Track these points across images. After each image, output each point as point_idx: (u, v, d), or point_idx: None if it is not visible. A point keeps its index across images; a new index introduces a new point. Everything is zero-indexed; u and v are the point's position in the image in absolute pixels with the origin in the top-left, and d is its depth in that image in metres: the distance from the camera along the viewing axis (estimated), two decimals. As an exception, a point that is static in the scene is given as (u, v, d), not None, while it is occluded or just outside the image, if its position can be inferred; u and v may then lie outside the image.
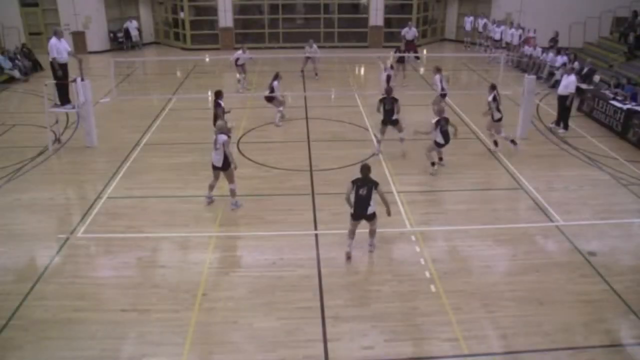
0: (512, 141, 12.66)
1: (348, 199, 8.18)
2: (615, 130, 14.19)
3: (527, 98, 13.55)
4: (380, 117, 12.44)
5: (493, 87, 12.65)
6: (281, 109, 14.84)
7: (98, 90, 16.19)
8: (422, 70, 22.03)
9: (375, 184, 8.11)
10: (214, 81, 19.70)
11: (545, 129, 14.61)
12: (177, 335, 6.98)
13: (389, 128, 12.49)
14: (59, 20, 24.11)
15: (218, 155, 9.81)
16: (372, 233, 8.64)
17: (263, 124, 14.49)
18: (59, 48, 12.50)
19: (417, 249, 8.89)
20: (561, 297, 7.74)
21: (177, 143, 13.53)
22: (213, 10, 25.68)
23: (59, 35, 12.61)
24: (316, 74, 19.89)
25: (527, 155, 12.87)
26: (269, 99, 14.74)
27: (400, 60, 18.70)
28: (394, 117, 12.26)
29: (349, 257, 8.47)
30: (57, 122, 13.79)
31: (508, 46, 22.93)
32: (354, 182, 8.11)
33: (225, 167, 9.88)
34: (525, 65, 21.08)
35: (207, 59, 21.38)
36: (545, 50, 20.63)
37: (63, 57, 12.65)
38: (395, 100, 12.23)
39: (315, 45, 19.86)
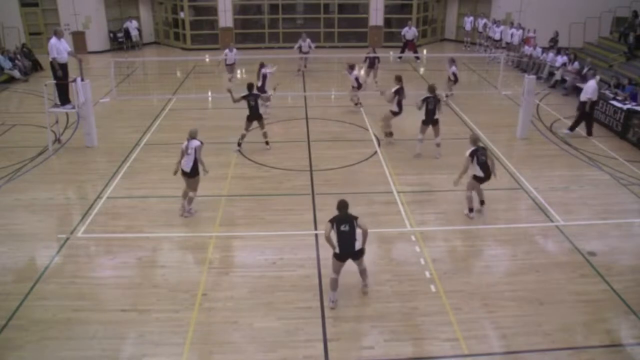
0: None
1: (329, 239, 7.27)
2: (615, 130, 14.19)
3: (527, 98, 13.55)
4: (422, 117, 12.36)
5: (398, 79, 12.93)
6: (267, 104, 14.83)
7: (98, 90, 16.21)
8: (422, 70, 22.02)
9: (355, 218, 7.31)
10: (214, 81, 19.72)
11: (545, 129, 14.60)
12: (177, 335, 6.99)
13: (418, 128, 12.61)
14: (59, 20, 24.12)
15: (189, 161, 9.58)
16: (363, 273, 7.75)
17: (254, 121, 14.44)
18: (59, 48, 12.50)
19: (417, 249, 8.89)
20: (561, 297, 7.74)
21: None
22: (213, 10, 25.68)
23: (59, 35, 12.60)
24: (305, 66, 20.35)
25: (527, 155, 12.88)
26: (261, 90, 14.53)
27: (371, 66, 18.32)
28: (436, 116, 12.30)
29: (333, 308, 7.52)
30: (57, 122, 13.80)
31: (508, 46, 22.93)
32: (332, 220, 7.29)
33: (194, 174, 9.68)
34: (525, 65, 21.08)
35: (207, 59, 21.38)
36: (545, 50, 20.63)
37: (63, 57, 12.64)
38: (438, 100, 12.24)
39: (308, 40, 20.17)
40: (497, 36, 23.33)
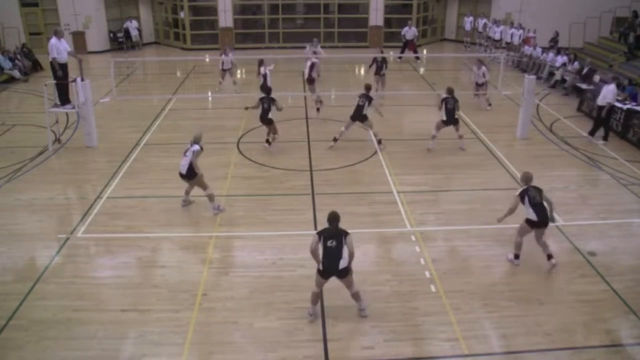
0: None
1: (314, 253, 6.97)
2: (615, 130, 14.18)
3: (527, 98, 13.55)
4: (442, 116, 12.61)
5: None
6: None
7: (98, 90, 16.20)
8: (422, 70, 22.01)
9: (345, 234, 6.94)
10: (214, 81, 19.71)
11: (545, 129, 14.60)
12: (177, 335, 6.98)
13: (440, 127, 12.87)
14: (59, 20, 24.11)
15: (185, 162, 9.59)
16: (355, 297, 7.28)
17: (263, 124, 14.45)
18: (59, 48, 12.50)
19: (417, 249, 8.89)
20: (561, 297, 7.74)
21: (177, 143, 13.49)
22: (213, 10, 25.68)
23: (59, 35, 12.60)
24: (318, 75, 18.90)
25: (527, 155, 12.88)
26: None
27: (378, 72, 16.96)
28: (456, 116, 12.63)
29: (312, 322, 7.25)
30: (57, 122, 13.80)
31: (508, 46, 22.93)
32: (320, 233, 6.97)
33: (191, 175, 9.63)
34: (525, 65, 21.08)
35: (207, 59, 21.38)
36: (545, 50, 20.63)
37: (63, 57, 12.64)
38: (456, 100, 12.50)
39: (319, 47, 19.11)
40: (497, 36, 23.33)
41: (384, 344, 6.85)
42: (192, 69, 21.86)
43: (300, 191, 10.96)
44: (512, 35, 22.54)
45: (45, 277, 8.16)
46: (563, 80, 18.52)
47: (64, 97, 13.13)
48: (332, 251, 6.91)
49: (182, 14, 25.48)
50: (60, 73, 12.73)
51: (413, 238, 9.23)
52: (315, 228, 9.50)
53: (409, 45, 22.99)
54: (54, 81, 12.92)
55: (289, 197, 10.71)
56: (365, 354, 6.72)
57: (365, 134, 14.07)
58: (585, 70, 17.81)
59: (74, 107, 13.23)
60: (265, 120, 12.56)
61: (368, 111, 12.73)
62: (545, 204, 8.17)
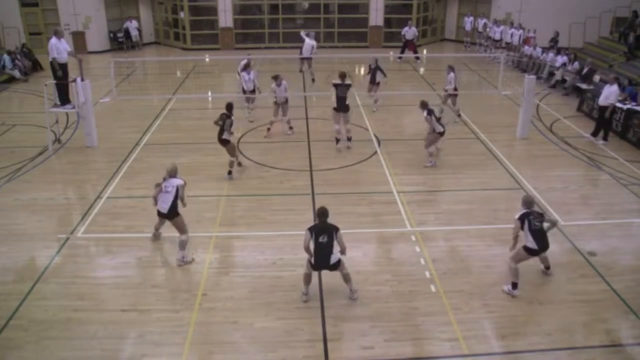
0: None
1: (308, 249, 7.28)
2: (615, 130, 14.18)
3: (527, 98, 13.54)
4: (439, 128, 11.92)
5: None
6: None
7: (98, 90, 16.20)
8: (422, 70, 22.01)
9: (336, 230, 7.22)
10: (214, 81, 19.74)
11: (545, 129, 14.61)
12: (177, 335, 6.99)
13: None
14: (59, 20, 24.11)
15: (165, 201, 8.28)
16: (345, 278, 7.57)
17: (263, 124, 14.47)
18: (59, 48, 12.50)
19: (417, 249, 8.89)
20: (561, 297, 7.74)
21: (177, 143, 13.53)
22: (213, 10, 25.68)
23: (59, 35, 12.60)
24: (313, 80, 18.82)
25: (527, 155, 12.88)
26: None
27: (373, 81, 16.00)
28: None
29: (306, 301, 7.57)
30: (57, 122, 13.80)
31: (508, 46, 22.93)
32: (311, 229, 7.24)
33: (172, 215, 8.36)
34: (525, 65, 21.08)
35: (207, 59, 21.39)
36: (545, 50, 20.63)
37: (63, 57, 12.65)
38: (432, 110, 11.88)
39: (313, 34, 19.01)
40: (497, 36, 23.33)
41: (384, 344, 6.85)
42: (192, 69, 21.86)
43: (300, 191, 10.96)
44: (512, 35, 22.54)
45: (45, 277, 8.16)
46: (563, 80, 18.52)
47: (64, 97, 13.13)
48: (323, 247, 7.20)
49: (182, 14, 25.48)
50: (60, 73, 12.73)
51: (413, 238, 9.23)
52: (315, 228, 9.50)
53: (409, 45, 22.99)
54: (54, 81, 12.93)
55: (289, 197, 10.71)
56: (365, 354, 6.72)
57: (365, 134, 14.07)
58: (585, 70, 17.80)
59: (74, 107, 13.23)
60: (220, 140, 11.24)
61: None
62: (545, 226, 7.69)
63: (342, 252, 7.37)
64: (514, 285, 7.75)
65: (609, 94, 13.48)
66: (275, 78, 13.67)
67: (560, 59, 18.88)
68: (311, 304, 7.56)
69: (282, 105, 13.87)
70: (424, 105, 11.62)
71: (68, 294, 7.78)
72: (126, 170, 11.94)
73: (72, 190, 11.25)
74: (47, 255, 8.71)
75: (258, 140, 13.77)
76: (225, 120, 10.94)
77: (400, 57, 22.84)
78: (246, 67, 14.79)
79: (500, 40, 23.28)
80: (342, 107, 12.67)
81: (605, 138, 13.74)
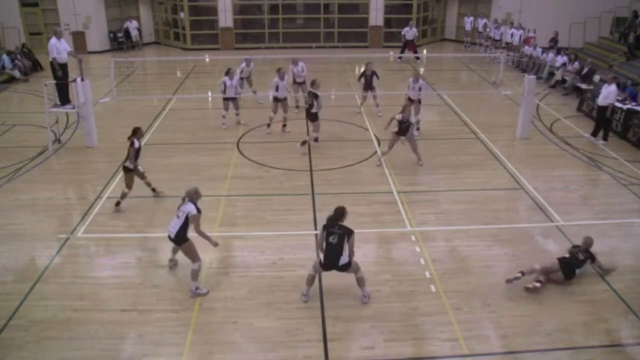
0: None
1: (320, 246, 7.32)
2: (615, 130, 14.18)
3: (527, 98, 13.55)
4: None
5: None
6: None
7: (98, 90, 16.20)
8: (422, 70, 22.02)
9: (349, 233, 7.15)
10: (214, 81, 19.70)
11: (545, 129, 14.61)
12: (177, 335, 6.98)
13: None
14: (59, 20, 24.13)
15: (174, 226, 7.56)
16: (360, 282, 7.48)
17: (263, 124, 14.48)
18: (59, 48, 12.51)
19: (417, 249, 8.89)
20: (561, 297, 7.74)
21: (177, 143, 13.53)
22: (213, 10, 25.68)
23: (58, 35, 12.62)
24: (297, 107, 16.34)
25: (527, 155, 12.88)
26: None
27: (367, 87, 15.26)
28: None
29: (306, 302, 7.55)
30: (57, 122, 13.80)
31: (508, 46, 22.94)
32: (325, 227, 7.25)
33: (180, 241, 7.63)
34: (525, 65, 21.09)
35: (207, 59, 21.40)
36: (545, 50, 20.64)
37: (63, 57, 12.65)
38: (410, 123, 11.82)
39: (301, 64, 15.81)
40: (497, 36, 23.34)
41: (384, 344, 6.85)
42: (192, 69, 21.86)
43: (300, 191, 10.96)
44: (512, 35, 22.55)
45: (46, 277, 8.16)
46: (563, 81, 18.52)
47: (64, 97, 13.14)
48: (332, 247, 7.15)
49: (182, 14, 25.49)
50: (60, 73, 12.74)
51: (413, 238, 9.23)
52: (315, 228, 9.50)
53: (409, 45, 23.00)
54: (54, 81, 12.93)
55: (289, 197, 10.71)
56: (365, 354, 6.72)
57: (365, 134, 14.07)
58: (585, 71, 17.80)
59: (74, 107, 13.24)
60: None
61: (318, 110, 12.63)
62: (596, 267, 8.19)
63: (351, 255, 7.26)
64: (522, 274, 7.93)
65: (608, 94, 13.47)
66: (279, 71, 13.68)
67: (560, 59, 18.90)
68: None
69: (282, 102, 13.86)
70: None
71: (68, 294, 7.78)
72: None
73: (72, 190, 11.25)
74: (47, 255, 8.71)
75: (258, 140, 13.77)
76: (129, 147, 9.94)
77: (400, 57, 22.84)
78: (228, 73, 14.02)
79: (500, 40, 23.30)
80: (309, 115, 12.87)
81: (605, 138, 13.73)
